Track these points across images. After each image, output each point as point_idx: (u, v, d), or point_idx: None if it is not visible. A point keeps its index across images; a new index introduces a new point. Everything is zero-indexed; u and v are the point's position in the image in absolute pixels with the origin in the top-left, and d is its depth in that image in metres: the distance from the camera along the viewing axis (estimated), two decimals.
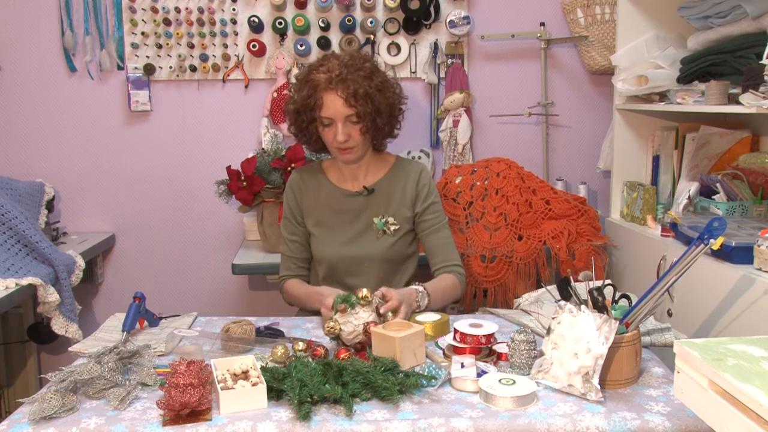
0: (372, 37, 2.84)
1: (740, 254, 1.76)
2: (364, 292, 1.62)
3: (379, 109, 1.92)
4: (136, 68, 2.84)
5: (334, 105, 1.88)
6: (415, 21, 2.83)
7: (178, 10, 2.80)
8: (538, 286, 2.34)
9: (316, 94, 1.89)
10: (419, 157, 2.87)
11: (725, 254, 1.79)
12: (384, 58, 2.86)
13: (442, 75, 2.90)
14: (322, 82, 1.88)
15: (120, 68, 2.85)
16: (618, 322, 1.40)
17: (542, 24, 2.86)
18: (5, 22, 2.81)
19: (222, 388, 1.35)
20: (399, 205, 2.03)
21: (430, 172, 2.18)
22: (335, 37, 2.84)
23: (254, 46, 2.80)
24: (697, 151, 2.30)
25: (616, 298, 1.54)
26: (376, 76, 1.93)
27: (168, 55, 2.83)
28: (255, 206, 2.61)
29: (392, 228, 2.02)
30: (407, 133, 2.90)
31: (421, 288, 1.88)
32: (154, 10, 2.80)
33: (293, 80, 2.04)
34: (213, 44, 2.84)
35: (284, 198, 2.11)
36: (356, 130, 1.91)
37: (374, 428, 1.28)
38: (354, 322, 1.60)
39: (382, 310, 1.66)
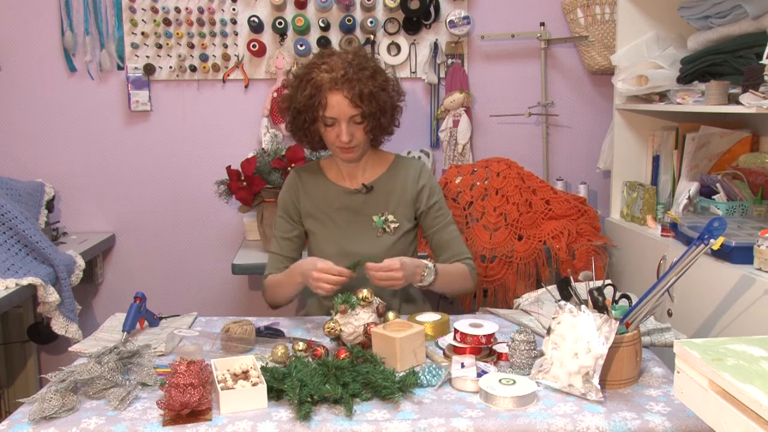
0: (372, 37, 2.84)
1: (740, 254, 1.76)
2: (365, 292, 1.62)
3: (384, 109, 1.90)
4: (136, 68, 2.84)
5: (339, 105, 1.85)
6: (415, 21, 2.83)
7: (178, 10, 2.80)
8: (538, 286, 2.34)
9: (320, 93, 1.85)
10: (419, 157, 2.87)
11: (725, 254, 1.79)
12: (384, 58, 2.86)
13: (442, 75, 2.90)
14: (326, 81, 1.84)
15: (120, 68, 2.85)
16: (618, 322, 1.40)
17: (542, 24, 2.86)
18: (5, 22, 2.81)
19: (222, 388, 1.35)
20: (399, 203, 2.02)
21: (429, 167, 2.17)
22: (335, 37, 2.84)
23: (254, 46, 2.80)
24: (697, 151, 2.30)
25: (616, 298, 1.55)
26: (379, 75, 1.91)
27: (168, 55, 2.83)
28: (255, 206, 2.61)
29: (392, 226, 2.00)
30: (407, 133, 2.91)
31: (430, 264, 1.86)
32: (154, 10, 2.80)
33: (290, 77, 1.99)
34: (213, 44, 2.84)
35: (280, 196, 2.09)
36: (360, 130, 1.90)
37: (374, 428, 1.28)
38: (354, 323, 1.60)
39: (371, 268, 1.73)
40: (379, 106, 1.89)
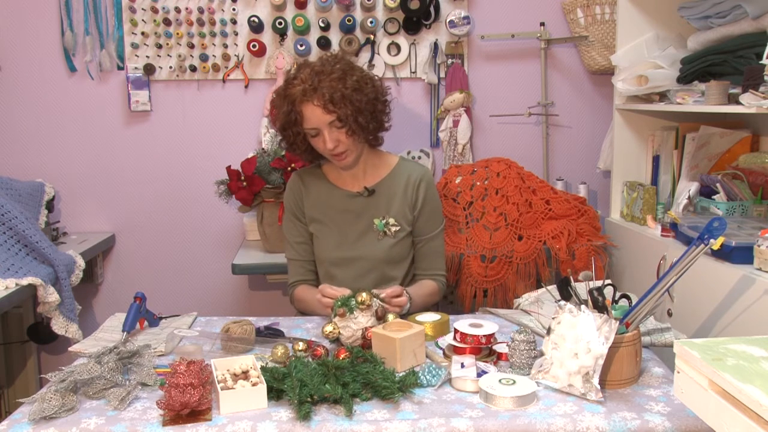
0: (372, 37, 2.84)
1: (740, 254, 1.76)
2: (364, 296, 1.62)
3: (360, 108, 1.89)
4: (136, 68, 2.84)
5: (314, 115, 1.86)
6: (415, 21, 2.83)
7: (178, 10, 2.80)
8: (538, 286, 2.34)
9: (295, 108, 1.88)
10: (419, 157, 2.87)
11: (725, 254, 1.79)
12: (384, 58, 2.86)
13: (442, 75, 2.90)
14: (298, 95, 1.87)
15: (120, 68, 2.85)
16: (618, 322, 1.40)
17: (542, 24, 2.86)
18: (5, 22, 2.81)
19: (222, 388, 1.35)
20: (400, 207, 2.03)
21: (432, 176, 2.15)
22: (335, 37, 2.84)
23: (254, 46, 2.80)
24: (697, 151, 2.30)
25: (616, 298, 1.55)
26: (349, 76, 1.89)
27: (168, 55, 2.83)
28: (255, 206, 2.61)
29: (393, 229, 2.01)
30: (407, 133, 2.91)
31: (407, 291, 1.90)
32: (154, 10, 2.80)
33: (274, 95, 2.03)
34: (213, 44, 2.84)
35: (285, 200, 2.10)
36: (342, 134, 1.89)
37: (374, 428, 1.28)
38: (353, 326, 1.60)
39: (389, 294, 1.76)
40: (354, 107, 1.87)
